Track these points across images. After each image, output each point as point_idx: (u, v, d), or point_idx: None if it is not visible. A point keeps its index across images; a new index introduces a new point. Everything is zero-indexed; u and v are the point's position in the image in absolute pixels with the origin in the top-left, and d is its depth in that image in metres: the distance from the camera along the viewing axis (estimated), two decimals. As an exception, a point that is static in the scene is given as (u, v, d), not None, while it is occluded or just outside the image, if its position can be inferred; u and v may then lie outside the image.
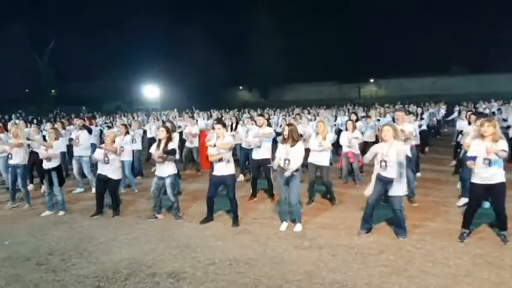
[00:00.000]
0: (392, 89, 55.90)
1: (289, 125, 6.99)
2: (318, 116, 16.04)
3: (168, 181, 7.53)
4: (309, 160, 8.14)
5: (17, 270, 5.68)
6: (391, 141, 6.04)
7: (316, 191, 8.68)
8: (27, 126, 12.82)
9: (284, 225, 6.86)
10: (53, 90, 58.35)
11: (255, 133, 9.06)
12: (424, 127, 13.81)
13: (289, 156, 6.57)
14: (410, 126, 8.13)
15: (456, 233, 6.18)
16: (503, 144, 5.61)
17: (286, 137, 6.69)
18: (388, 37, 49.56)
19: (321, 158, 8.08)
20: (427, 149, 14.14)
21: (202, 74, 53.53)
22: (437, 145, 15.94)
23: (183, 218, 7.62)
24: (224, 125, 7.30)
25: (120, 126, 10.24)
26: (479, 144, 5.78)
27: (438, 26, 49.37)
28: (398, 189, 6.11)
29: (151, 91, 47.01)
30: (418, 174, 10.17)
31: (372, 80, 58.60)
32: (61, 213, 8.31)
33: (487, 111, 19.78)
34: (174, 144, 7.71)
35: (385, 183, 6.12)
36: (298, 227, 6.73)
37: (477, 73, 50.94)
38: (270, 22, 54.58)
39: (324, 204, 8.31)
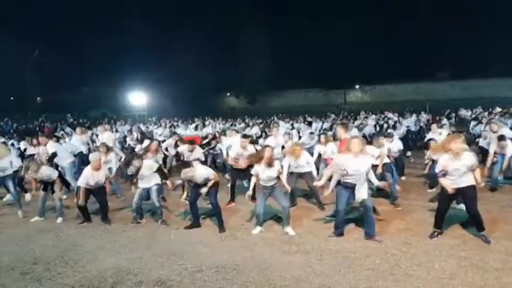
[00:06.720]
0: (377, 94, 56.56)
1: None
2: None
3: (154, 188, 7.75)
4: (291, 170, 8.16)
5: (1, 280, 5.60)
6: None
7: (303, 196, 8.75)
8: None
9: (257, 229, 6.99)
10: (38, 98, 57.64)
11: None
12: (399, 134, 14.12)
13: None
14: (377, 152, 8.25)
15: (441, 237, 6.30)
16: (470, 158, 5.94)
17: None
18: (373, 43, 50.08)
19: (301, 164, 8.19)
20: (409, 153, 14.29)
21: (189, 81, 53.30)
22: (421, 150, 16.09)
23: (169, 225, 7.60)
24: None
25: (100, 146, 9.98)
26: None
27: (422, 31, 50.03)
28: (363, 193, 6.25)
29: (137, 98, 46.66)
30: (403, 178, 10.28)
31: (357, 86, 59.19)
32: (59, 219, 8.18)
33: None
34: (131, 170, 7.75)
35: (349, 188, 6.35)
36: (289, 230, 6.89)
37: (461, 79, 51.71)
38: (257, 29, 54.83)
39: (310, 209, 8.34)
